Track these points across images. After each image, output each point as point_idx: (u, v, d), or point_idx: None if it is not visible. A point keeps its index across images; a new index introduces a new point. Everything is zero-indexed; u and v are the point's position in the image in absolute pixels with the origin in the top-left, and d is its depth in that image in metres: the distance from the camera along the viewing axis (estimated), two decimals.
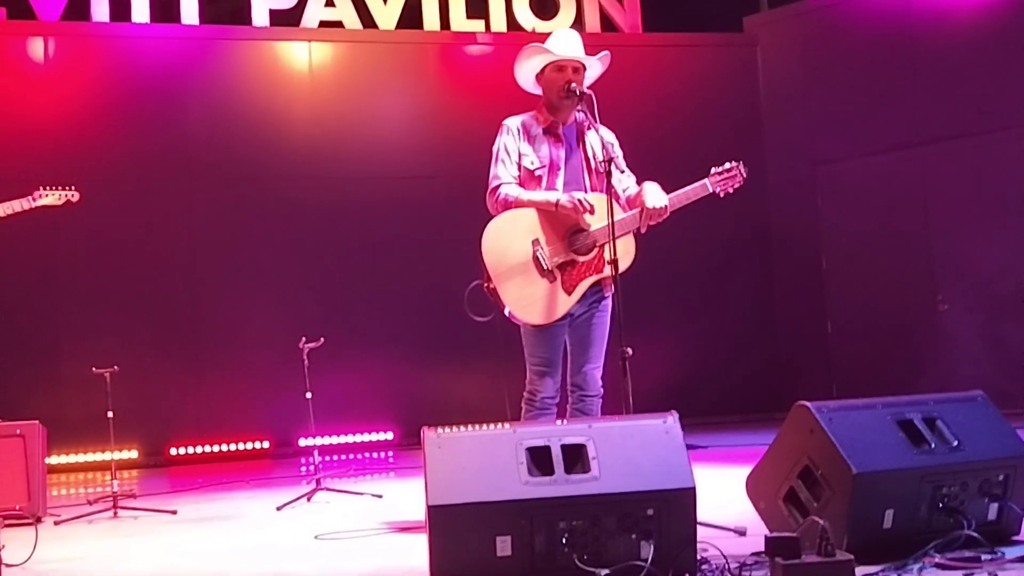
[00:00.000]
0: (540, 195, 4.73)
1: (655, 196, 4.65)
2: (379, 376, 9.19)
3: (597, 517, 3.40)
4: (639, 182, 4.80)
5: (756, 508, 3.98)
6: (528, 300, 4.64)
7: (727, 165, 4.78)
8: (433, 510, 3.32)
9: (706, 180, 4.76)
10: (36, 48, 9.01)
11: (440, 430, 3.49)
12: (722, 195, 4.78)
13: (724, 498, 4.71)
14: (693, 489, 3.48)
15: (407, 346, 9.26)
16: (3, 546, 3.96)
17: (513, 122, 4.87)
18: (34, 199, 5.34)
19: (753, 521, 4.03)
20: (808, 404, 3.77)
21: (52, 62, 9.04)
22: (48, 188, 5.47)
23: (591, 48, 4.89)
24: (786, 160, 9.98)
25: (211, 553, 4.77)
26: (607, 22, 10.23)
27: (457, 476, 3.36)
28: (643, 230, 4.68)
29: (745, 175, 4.78)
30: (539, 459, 3.44)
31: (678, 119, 9.78)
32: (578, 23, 10.06)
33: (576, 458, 3.48)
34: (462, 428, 3.51)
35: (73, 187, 5.95)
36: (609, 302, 4.80)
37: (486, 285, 4.69)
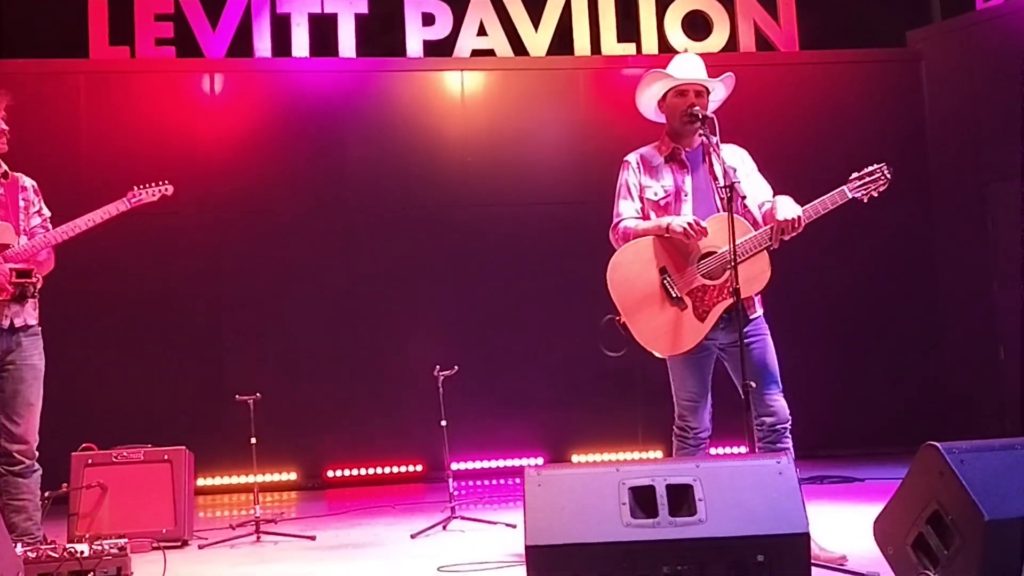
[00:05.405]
0: (652, 222, 4.64)
1: (786, 208, 4.49)
2: (529, 401, 9.16)
3: (704, 562, 3.28)
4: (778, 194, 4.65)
5: (884, 554, 3.78)
6: (658, 331, 4.53)
7: (869, 168, 4.57)
8: (531, 550, 3.27)
9: (844, 187, 4.55)
10: (204, 84, 9.40)
11: (541, 469, 3.44)
12: (866, 200, 4.55)
13: (865, 537, 4.46)
14: (807, 534, 3.32)
15: (557, 372, 9.21)
16: (131, 573, 4.12)
17: (633, 157, 4.82)
18: (130, 200, 5.47)
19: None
20: (937, 444, 3.56)
21: (219, 97, 9.42)
22: (142, 186, 5.60)
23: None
24: (953, 179, 9.51)
25: None
26: (762, 41, 9.99)
27: (557, 516, 3.30)
28: (776, 245, 4.50)
29: (890, 177, 4.55)
30: (643, 500, 3.35)
31: (838, 139, 9.43)
32: (732, 43, 9.87)
33: (682, 499, 3.37)
34: (564, 466, 3.45)
35: (166, 181, 6.10)
36: (762, 322, 4.63)
37: (618, 319, 4.62)
